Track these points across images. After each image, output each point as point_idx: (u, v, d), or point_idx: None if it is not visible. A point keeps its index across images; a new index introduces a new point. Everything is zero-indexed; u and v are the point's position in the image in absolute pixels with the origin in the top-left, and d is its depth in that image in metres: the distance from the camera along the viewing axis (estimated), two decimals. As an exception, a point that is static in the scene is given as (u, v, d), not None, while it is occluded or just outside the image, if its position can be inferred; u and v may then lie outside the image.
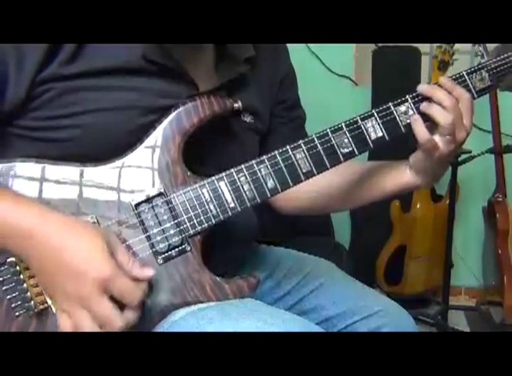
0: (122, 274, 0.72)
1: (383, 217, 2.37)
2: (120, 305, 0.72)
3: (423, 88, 0.86)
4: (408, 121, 0.86)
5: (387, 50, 2.36)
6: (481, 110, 2.18)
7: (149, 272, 0.75)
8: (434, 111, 0.84)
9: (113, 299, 0.71)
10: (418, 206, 2.38)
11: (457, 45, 2.01)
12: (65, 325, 0.72)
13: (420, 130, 0.85)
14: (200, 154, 0.86)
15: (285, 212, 1.10)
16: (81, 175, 0.80)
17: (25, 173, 0.79)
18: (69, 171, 0.80)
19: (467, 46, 2.34)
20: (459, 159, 2.09)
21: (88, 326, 0.71)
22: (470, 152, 2.07)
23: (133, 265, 0.73)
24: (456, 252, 2.38)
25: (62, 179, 0.79)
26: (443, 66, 2.00)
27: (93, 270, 0.70)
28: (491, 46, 0.93)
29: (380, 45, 2.39)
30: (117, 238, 0.77)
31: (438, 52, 2.02)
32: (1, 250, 0.74)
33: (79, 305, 0.71)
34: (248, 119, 0.94)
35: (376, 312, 0.99)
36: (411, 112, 0.86)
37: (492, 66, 0.89)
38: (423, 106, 0.86)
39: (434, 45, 2.14)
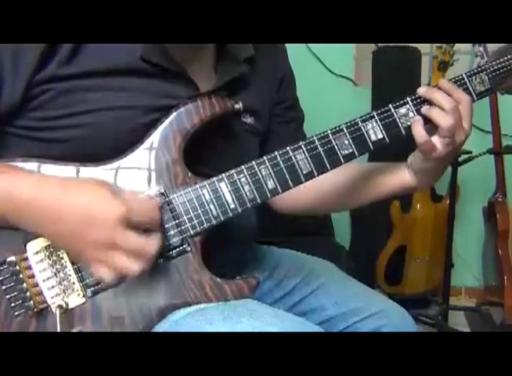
0: (134, 205, 0.74)
1: (383, 217, 2.37)
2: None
3: (422, 90, 0.86)
4: (408, 123, 0.86)
5: (387, 50, 2.35)
6: (481, 111, 2.18)
7: (155, 201, 0.78)
8: (435, 114, 0.84)
9: (137, 229, 0.73)
10: (418, 206, 2.37)
11: (457, 45, 2.00)
12: (104, 273, 0.73)
13: (419, 131, 0.85)
14: (201, 155, 0.86)
15: (284, 212, 1.10)
16: (81, 175, 0.79)
17: (25, 172, 0.79)
18: (69, 171, 0.79)
19: (467, 46, 2.34)
20: (460, 159, 2.09)
21: (125, 263, 0.72)
22: (471, 152, 2.07)
23: (138, 194, 0.77)
24: (457, 252, 2.38)
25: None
26: (443, 66, 2.00)
27: (108, 213, 0.71)
28: (491, 46, 0.93)
29: (380, 45, 2.39)
30: (113, 183, 0.79)
31: (439, 53, 2.01)
32: (12, 225, 0.75)
33: (109, 249, 0.72)
34: (248, 120, 0.95)
35: (376, 312, 0.99)
36: (411, 114, 0.86)
37: (492, 68, 0.89)
38: (424, 108, 0.85)
39: (434, 45, 2.14)
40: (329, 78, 2.54)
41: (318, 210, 1.11)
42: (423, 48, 2.35)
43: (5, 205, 0.73)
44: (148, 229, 0.75)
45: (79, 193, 0.73)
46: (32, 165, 0.79)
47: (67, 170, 0.79)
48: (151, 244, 0.74)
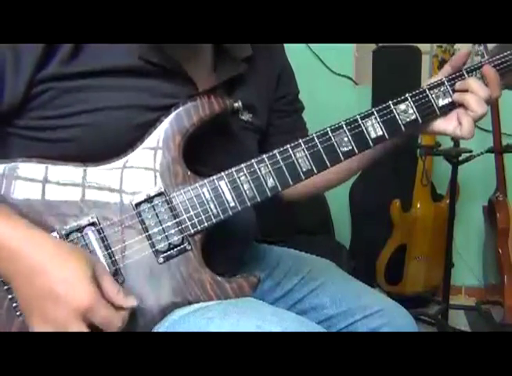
0: (103, 303, 0.71)
1: (383, 216, 2.37)
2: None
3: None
4: (408, 119, 0.86)
5: (388, 50, 2.36)
6: (482, 110, 2.17)
7: (133, 302, 0.74)
8: (470, 99, 0.87)
9: (92, 326, 0.71)
10: (418, 205, 2.38)
11: (458, 45, 2.01)
12: None
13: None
14: (200, 154, 0.86)
15: (290, 199, 1.09)
16: (82, 175, 0.80)
17: (27, 174, 0.79)
18: (70, 171, 0.80)
19: (468, 45, 2.34)
20: (460, 158, 2.09)
21: None
22: (471, 151, 2.07)
23: (118, 294, 0.73)
24: (457, 251, 2.38)
25: (63, 179, 0.80)
26: (443, 65, 2.00)
27: (75, 298, 0.69)
28: (491, 46, 0.93)
29: (380, 44, 2.39)
30: (104, 268, 0.76)
31: (439, 52, 2.02)
32: None
33: (56, 329, 0.70)
34: (246, 117, 0.95)
35: (376, 311, 0.99)
36: (411, 111, 0.87)
37: (492, 64, 0.89)
38: (457, 95, 0.88)
39: (435, 44, 2.14)
40: (329, 78, 2.55)
41: (319, 190, 1.12)
42: (424, 47, 2.35)
43: None
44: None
45: (60, 267, 0.70)
46: (33, 166, 0.79)
47: (70, 171, 0.80)
48: None
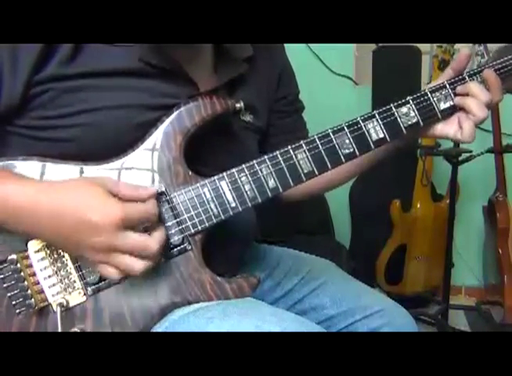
0: (131, 204, 0.74)
1: (383, 216, 2.37)
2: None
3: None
4: (409, 122, 0.86)
5: (388, 50, 2.36)
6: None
7: (152, 189, 0.78)
8: (472, 104, 0.86)
9: (135, 229, 0.74)
10: (418, 205, 2.38)
11: (458, 45, 2.00)
12: (111, 274, 0.74)
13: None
14: (201, 154, 0.86)
15: (290, 199, 1.10)
16: (82, 174, 0.80)
17: (26, 171, 0.79)
18: (70, 170, 0.80)
19: (468, 46, 2.34)
20: (460, 158, 2.09)
21: (129, 263, 0.73)
22: (471, 151, 2.07)
23: (138, 190, 0.76)
24: (457, 251, 2.38)
25: (63, 178, 0.79)
26: (444, 65, 2.00)
27: (105, 217, 0.72)
28: (491, 46, 0.93)
29: (380, 44, 2.39)
30: (112, 178, 0.79)
31: (439, 52, 2.02)
32: (12, 230, 0.76)
33: (111, 251, 0.73)
34: (248, 118, 0.95)
35: (376, 311, 0.99)
36: (412, 113, 0.87)
37: (493, 69, 0.89)
38: (459, 99, 0.87)
39: (435, 44, 2.14)
40: (329, 78, 2.55)
41: (322, 190, 1.12)
42: (424, 47, 2.35)
43: (3, 212, 0.74)
44: (148, 226, 0.76)
45: (76, 197, 0.73)
46: (32, 164, 0.79)
47: (70, 169, 0.79)
48: (152, 242, 0.75)
